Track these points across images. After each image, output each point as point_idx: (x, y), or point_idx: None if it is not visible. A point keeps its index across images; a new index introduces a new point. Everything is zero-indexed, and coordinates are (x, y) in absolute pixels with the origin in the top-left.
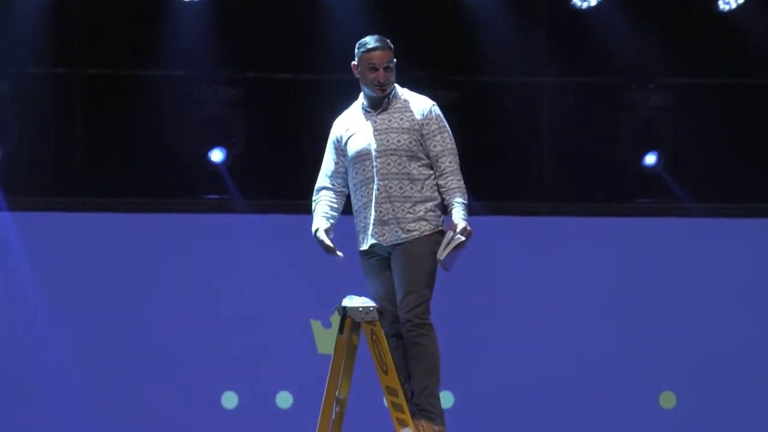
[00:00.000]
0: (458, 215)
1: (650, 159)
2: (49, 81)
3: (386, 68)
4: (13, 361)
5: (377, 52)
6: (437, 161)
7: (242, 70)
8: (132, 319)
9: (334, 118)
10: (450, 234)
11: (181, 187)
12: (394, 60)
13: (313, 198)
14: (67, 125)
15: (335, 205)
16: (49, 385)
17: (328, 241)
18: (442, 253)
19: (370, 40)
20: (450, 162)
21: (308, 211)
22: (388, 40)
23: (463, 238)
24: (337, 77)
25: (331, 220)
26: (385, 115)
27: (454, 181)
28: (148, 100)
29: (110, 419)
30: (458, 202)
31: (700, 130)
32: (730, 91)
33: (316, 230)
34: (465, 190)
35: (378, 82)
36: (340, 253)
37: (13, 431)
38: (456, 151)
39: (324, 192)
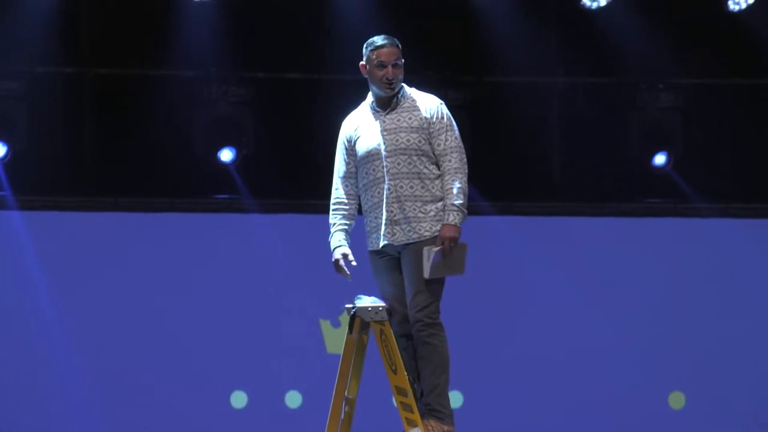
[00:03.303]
0: (444, 219)
1: (659, 159)
2: (59, 80)
3: (394, 65)
4: (23, 358)
5: (385, 49)
6: (440, 160)
7: (252, 70)
8: (141, 318)
9: (344, 118)
10: (425, 250)
11: (191, 187)
12: (402, 59)
13: (331, 205)
14: (77, 125)
15: (353, 215)
16: (58, 383)
17: (347, 270)
18: (426, 272)
19: (378, 39)
20: (450, 161)
21: (317, 210)
22: (396, 39)
23: (436, 249)
24: (347, 77)
25: (348, 238)
26: (393, 115)
27: (449, 182)
28: (157, 99)
29: (119, 418)
30: (450, 205)
31: (709, 130)
32: (740, 92)
33: (336, 249)
34: (462, 190)
35: (387, 79)
36: (349, 277)
37: (23, 428)
38: (460, 150)
39: (340, 202)
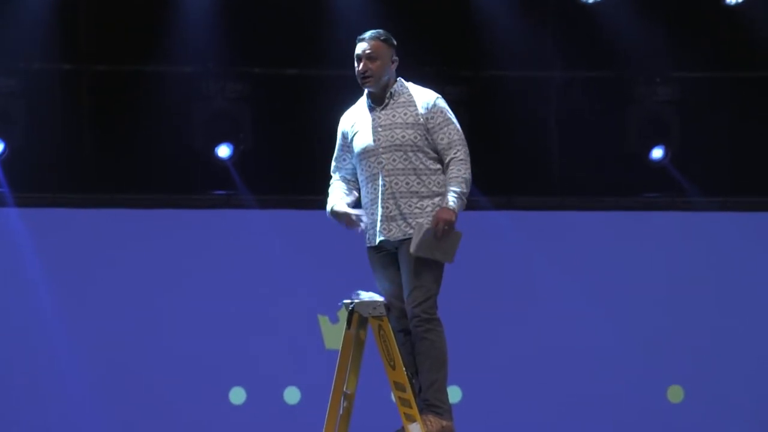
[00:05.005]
0: (443, 201)
1: (657, 153)
2: (56, 77)
3: (368, 58)
4: (23, 356)
5: (360, 43)
6: (444, 154)
7: (249, 66)
8: (140, 314)
9: (341, 114)
10: (417, 225)
11: (189, 183)
12: (391, 53)
13: (329, 186)
14: (74, 121)
15: (350, 189)
16: (58, 380)
17: (346, 209)
18: (413, 247)
19: (364, 33)
20: (456, 153)
21: (315, 206)
22: (381, 32)
23: (426, 227)
24: (345, 72)
25: (346, 200)
26: (388, 111)
27: (454, 170)
28: (155, 95)
29: (119, 414)
30: (450, 190)
31: (707, 124)
32: (738, 85)
33: (332, 207)
34: (465, 179)
35: (359, 72)
36: (362, 219)
37: (23, 425)
38: (464, 142)
39: (337, 180)
